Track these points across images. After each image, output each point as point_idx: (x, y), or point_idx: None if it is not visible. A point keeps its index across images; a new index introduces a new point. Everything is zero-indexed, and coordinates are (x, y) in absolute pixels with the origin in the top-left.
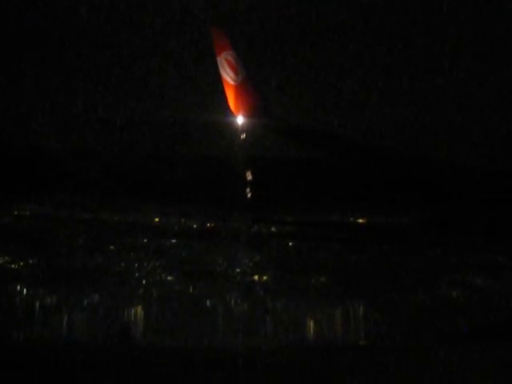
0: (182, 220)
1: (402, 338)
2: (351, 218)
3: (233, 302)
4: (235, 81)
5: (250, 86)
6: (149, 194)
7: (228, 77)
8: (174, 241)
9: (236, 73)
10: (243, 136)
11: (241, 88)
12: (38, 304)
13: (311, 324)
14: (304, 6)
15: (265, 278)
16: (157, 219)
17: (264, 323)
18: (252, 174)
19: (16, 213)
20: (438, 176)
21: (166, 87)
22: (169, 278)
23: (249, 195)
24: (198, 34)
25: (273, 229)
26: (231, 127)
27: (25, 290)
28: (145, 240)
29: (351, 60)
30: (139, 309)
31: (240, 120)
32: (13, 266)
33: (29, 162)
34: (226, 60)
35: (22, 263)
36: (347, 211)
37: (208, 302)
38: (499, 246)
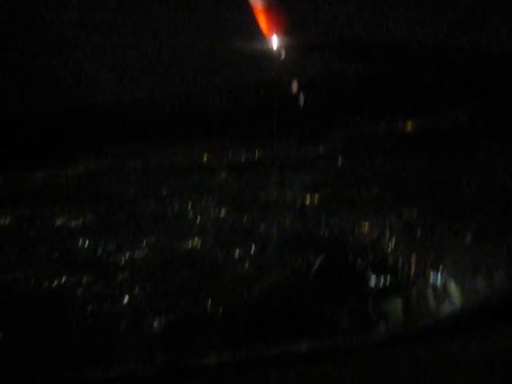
0: (230, 154)
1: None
2: (401, 126)
3: (286, 225)
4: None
5: (281, 3)
6: (194, 132)
7: None
8: (223, 176)
9: None
10: (281, 57)
11: (271, 7)
12: (100, 251)
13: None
14: None
15: (316, 198)
16: (205, 157)
17: (318, 238)
18: (295, 96)
19: (70, 171)
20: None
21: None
22: (222, 212)
23: (293, 118)
24: None
25: (321, 148)
26: (266, 51)
27: (86, 243)
28: (196, 180)
29: None
30: (196, 242)
31: (275, 42)
32: (72, 223)
33: (75, 118)
34: None
35: (80, 219)
36: (396, 120)
37: (262, 228)
38: None
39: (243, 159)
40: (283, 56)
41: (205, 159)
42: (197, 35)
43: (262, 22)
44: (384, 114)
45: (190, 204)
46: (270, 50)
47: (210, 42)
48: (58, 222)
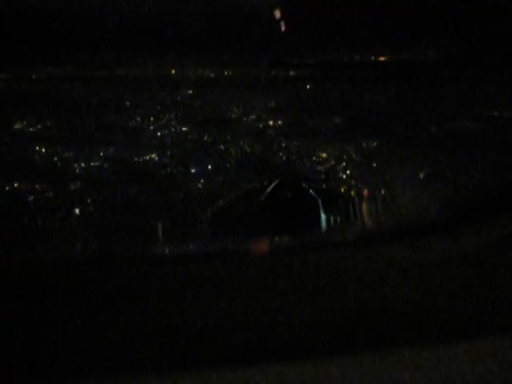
0: (199, 70)
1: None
2: (374, 57)
3: (246, 145)
4: None
5: None
6: (164, 46)
7: None
8: (190, 92)
9: None
10: None
11: None
12: (55, 159)
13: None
14: None
15: (279, 122)
16: (173, 71)
17: (276, 160)
18: (271, 16)
19: (34, 76)
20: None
21: None
22: (183, 128)
23: (267, 38)
24: None
25: (291, 72)
26: None
27: (43, 150)
28: (161, 93)
29: None
30: (153, 157)
31: None
32: (30, 129)
33: (41, 24)
34: None
35: (38, 126)
36: (372, 50)
37: (221, 147)
38: None
39: (212, 76)
40: None
41: (172, 73)
42: None
43: None
44: (359, 45)
45: (152, 118)
46: None
47: None
48: (17, 126)
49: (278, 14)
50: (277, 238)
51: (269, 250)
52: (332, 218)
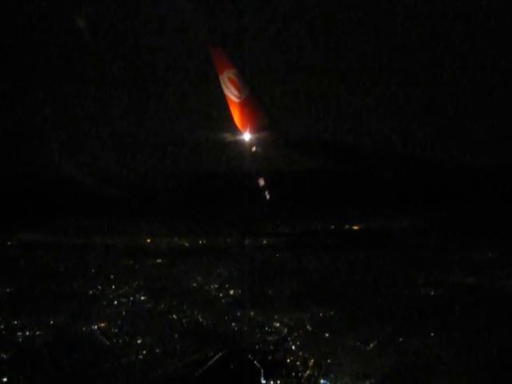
0: (175, 239)
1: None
2: (347, 226)
3: (199, 315)
4: (239, 98)
5: (254, 102)
6: (142, 215)
7: (231, 94)
8: (159, 260)
9: (239, 90)
10: (251, 150)
11: (245, 105)
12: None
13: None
14: (302, 24)
15: (239, 291)
16: (148, 240)
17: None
18: (256, 187)
19: (9, 243)
20: (436, 178)
21: (170, 107)
22: (142, 297)
23: (245, 209)
24: (202, 54)
25: (264, 241)
26: (238, 144)
27: None
28: (130, 261)
29: (351, 73)
30: (102, 326)
31: (247, 136)
32: None
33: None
34: (229, 78)
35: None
36: (346, 219)
37: (173, 316)
38: (498, 244)
39: (186, 245)
40: (254, 149)
41: (147, 242)
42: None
43: (237, 117)
44: (337, 214)
45: (113, 286)
46: (243, 143)
47: (183, 129)
48: None
49: (256, 183)
50: None
51: None
52: None
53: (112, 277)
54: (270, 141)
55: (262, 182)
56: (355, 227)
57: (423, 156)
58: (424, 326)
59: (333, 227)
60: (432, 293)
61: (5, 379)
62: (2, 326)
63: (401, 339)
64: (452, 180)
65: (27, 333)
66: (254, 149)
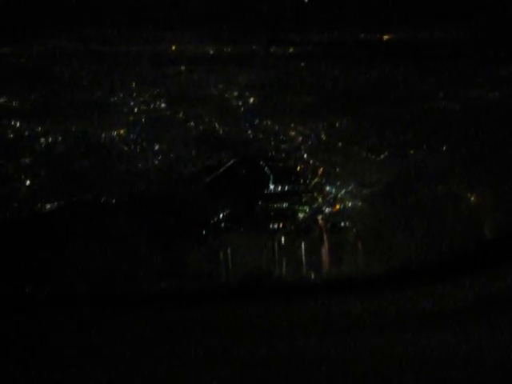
0: (200, 46)
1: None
2: (377, 35)
3: (217, 123)
4: None
5: None
6: (166, 22)
7: None
8: (182, 68)
9: None
10: None
11: None
12: (27, 134)
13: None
14: None
15: (258, 99)
16: (173, 47)
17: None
18: None
19: (20, 49)
20: None
21: None
22: (162, 105)
23: (267, 16)
24: None
25: (291, 49)
26: None
27: (17, 124)
28: (152, 69)
29: None
30: (122, 132)
31: None
32: (11, 103)
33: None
34: None
35: (17, 100)
36: (375, 28)
37: (191, 124)
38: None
39: (211, 53)
40: None
41: (173, 49)
42: None
43: None
44: (361, 24)
45: (134, 94)
46: None
47: None
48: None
49: None
50: None
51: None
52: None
53: (134, 84)
54: None
55: None
56: (385, 36)
57: None
58: (438, 139)
59: (362, 36)
60: (451, 107)
61: None
62: (26, 133)
63: (412, 151)
64: None
65: (50, 139)
66: None
